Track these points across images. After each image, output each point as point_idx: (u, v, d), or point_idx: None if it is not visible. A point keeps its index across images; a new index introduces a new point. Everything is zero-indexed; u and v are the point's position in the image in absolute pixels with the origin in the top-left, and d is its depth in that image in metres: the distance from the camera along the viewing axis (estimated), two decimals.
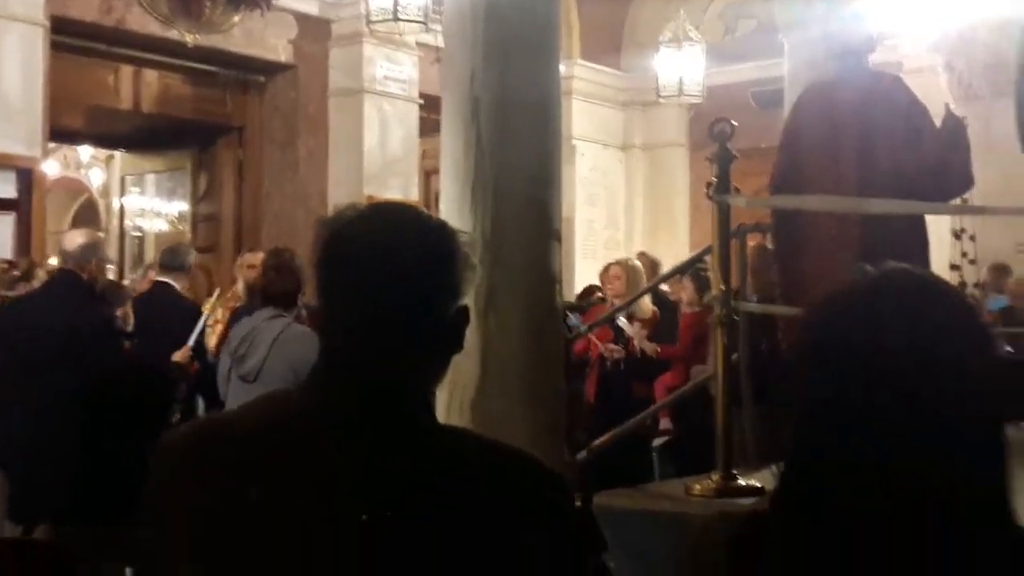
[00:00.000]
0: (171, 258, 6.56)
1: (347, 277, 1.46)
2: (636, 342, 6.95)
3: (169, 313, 6.16)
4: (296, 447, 1.39)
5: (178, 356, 5.78)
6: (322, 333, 1.50)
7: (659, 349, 6.89)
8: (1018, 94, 3.44)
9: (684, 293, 6.92)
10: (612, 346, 6.94)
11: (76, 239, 4.89)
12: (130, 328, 6.08)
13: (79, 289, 4.77)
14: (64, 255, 4.96)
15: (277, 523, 1.35)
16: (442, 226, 1.51)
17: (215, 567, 1.37)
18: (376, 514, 1.34)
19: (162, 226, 11.14)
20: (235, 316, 5.94)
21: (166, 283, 6.37)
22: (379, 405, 1.41)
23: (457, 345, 1.50)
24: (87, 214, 18.17)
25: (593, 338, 6.84)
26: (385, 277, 1.43)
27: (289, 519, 1.35)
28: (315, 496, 1.35)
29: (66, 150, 17.15)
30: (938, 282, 1.34)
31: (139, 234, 11.59)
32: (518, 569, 1.36)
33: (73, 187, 18.77)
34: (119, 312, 5.90)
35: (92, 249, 4.88)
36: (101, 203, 17.60)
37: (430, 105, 8.02)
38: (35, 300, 5.15)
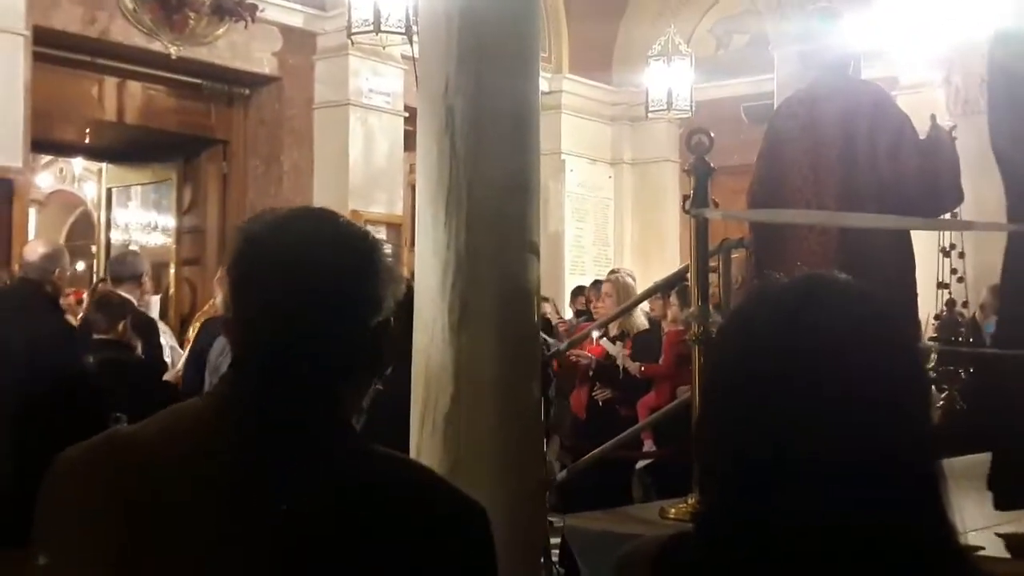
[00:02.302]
0: (120, 268, 6.34)
1: (257, 286, 1.37)
2: (619, 361, 6.85)
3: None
4: (197, 461, 1.31)
5: (170, 376, 5.67)
6: (232, 344, 1.41)
7: (643, 368, 6.79)
8: (990, 99, 3.35)
9: (669, 310, 6.81)
10: (580, 352, 6.85)
11: (37, 249, 4.80)
12: (125, 339, 5.92)
13: (38, 299, 4.66)
14: (25, 266, 4.87)
15: (177, 540, 1.28)
16: (363, 235, 1.44)
17: None
18: (272, 534, 1.26)
19: (152, 239, 11.03)
20: (204, 328, 5.83)
21: (120, 295, 6.22)
22: (284, 421, 1.33)
23: (378, 362, 1.41)
24: (82, 227, 18.11)
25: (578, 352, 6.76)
26: (296, 287, 1.35)
27: (189, 535, 1.27)
28: (215, 512, 1.28)
29: (61, 163, 17.11)
30: (861, 285, 1.23)
31: (133, 247, 11.47)
32: None
33: (68, 200, 18.74)
34: (120, 326, 5.72)
35: (53, 259, 4.78)
36: (95, 216, 17.53)
37: (415, 119, 7.92)
38: None
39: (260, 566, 1.26)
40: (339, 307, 1.37)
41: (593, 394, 6.97)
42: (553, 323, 8.90)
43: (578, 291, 10.10)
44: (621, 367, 6.86)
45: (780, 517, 1.11)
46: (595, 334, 6.78)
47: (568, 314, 10.24)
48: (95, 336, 5.25)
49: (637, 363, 6.80)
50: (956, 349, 4.70)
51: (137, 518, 1.29)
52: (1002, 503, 3.10)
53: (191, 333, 6.75)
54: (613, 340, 6.92)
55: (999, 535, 2.89)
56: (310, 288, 1.35)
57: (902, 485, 1.11)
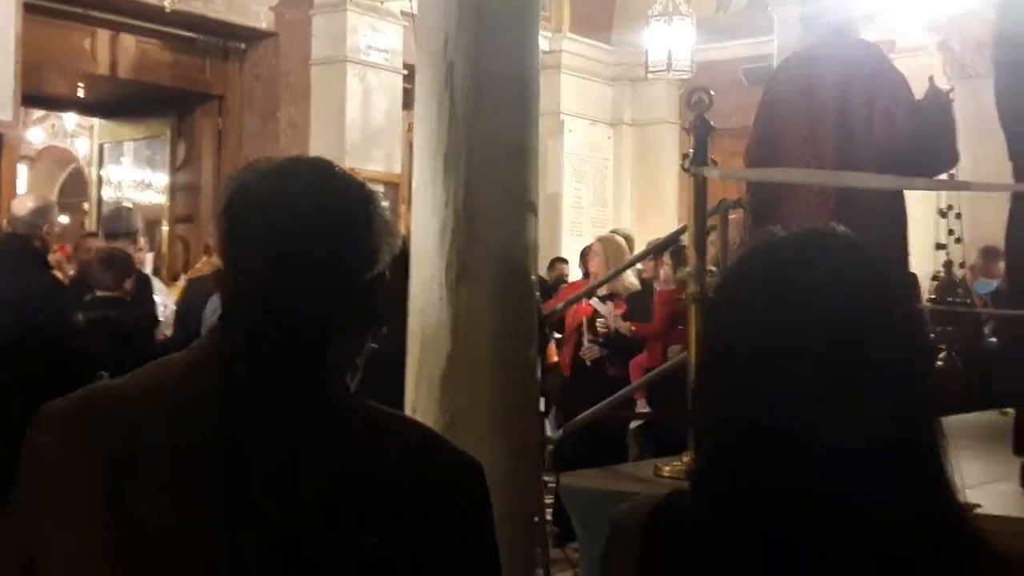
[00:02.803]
0: (115, 224, 6.24)
1: (248, 235, 1.33)
2: (610, 322, 6.85)
3: None
4: (182, 415, 1.28)
5: (161, 335, 5.64)
6: (222, 295, 1.38)
7: (633, 328, 6.77)
8: (1000, 75, 3.31)
9: (662, 270, 6.79)
10: (592, 345, 6.86)
11: (26, 203, 4.75)
12: (128, 297, 5.86)
13: (28, 255, 4.61)
14: (13, 220, 4.80)
15: (161, 494, 1.25)
16: (359, 186, 1.39)
17: (105, 544, 1.25)
18: (262, 487, 1.24)
19: (145, 196, 10.97)
20: (191, 287, 5.78)
21: (125, 251, 6.16)
22: (273, 373, 1.29)
23: (372, 317, 1.38)
24: (75, 183, 18.01)
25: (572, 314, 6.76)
26: (289, 237, 1.31)
27: (173, 490, 1.25)
28: (200, 467, 1.25)
29: (53, 119, 16.98)
30: (859, 243, 1.20)
31: (126, 204, 11.40)
32: (410, 564, 1.24)
33: (61, 156, 18.62)
34: (127, 284, 5.64)
35: (42, 214, 4.73)
36: (87, 172, 17.44)
37: (414, 77, 7.87)
38: None
39: (247, 523, 1.23)
40: (332, 258, 1.33)
41: (581, 353, 6.97)
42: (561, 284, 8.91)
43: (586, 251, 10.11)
44: (612, 328, 6.85)
45: (777, 478, 1.09)
46: (595, 300, 6.78)
47: (578, 274, 10.23)
48: (98, 293, 5.20)
49: (628, 323, 6.79)
50: (954, 310, 4.68)
51: (120, 470, 1.26)
52: None
53: (176, 292, 6.71)
54: (603, 300, 6.91)
55: None
56: (303, 238, 1.32)
57: (901, 447, 1.09)
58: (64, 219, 13.75)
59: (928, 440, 1.11)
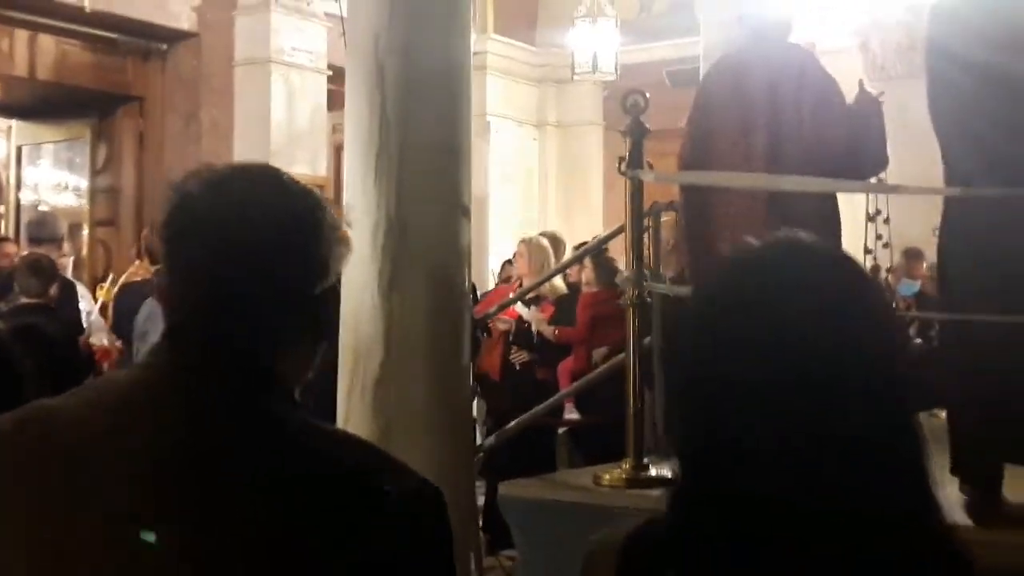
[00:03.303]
0: (39, 230, 6.15)
1: (192, 248, 1.29)
2: (534, 325, 6.85)
3: None
4: (122, 438, 1.23)
5: (85, 341, 5.52)
6: (165, 311, 1.33)
7: (557, 332, 6.78)
8: (930, 76, 3.36)
9: (584, 273, 6.81)
10: (519, 352, 6.86)
11: None
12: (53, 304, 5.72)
13: None
14: None
15: (97, 520, 1.20)
16: (306, 194, 1.34)
17: (36, 564, 1.22)
18: (201, 508, 1.19)
19: (64, 199, 10.72)
20: (123, 292, 5.67)
21: (50, 257, 6.04)
22: (219, 396, 1.25)
23: (322, 329, 1.34)
24: None
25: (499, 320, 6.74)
26: (233, 248, 1.26)
27: (110, 515, 1.20)
28: (140, 486, 1.20)
29: None
30: (835, 251, 1.20)
31: (44, 207, 11.14)
32: None
33: None
34: (52, 290, 5.52)
35: None
36: (2, 175, 17.01)
37: (339, 78, 7.79)
38: None
39: (185, 546, 1.18)
40: (281, 270, 1.28)
41: (510, 357, 6.96)
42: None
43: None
44: (535, 330, 6.86)
45: (756, 495, 1.07)
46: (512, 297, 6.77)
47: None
48: (22, 300, 5.10)
49: (551, 327, 6.79)
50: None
51: (56, 496, 1.22)
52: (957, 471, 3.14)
53: (100, 295, 6.57)
54: (527, 304, 6.91)
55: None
56: (249, 250, 1.27)
57: (887, 454, 1.08)
58: None
59: (911, 446, 1.10)
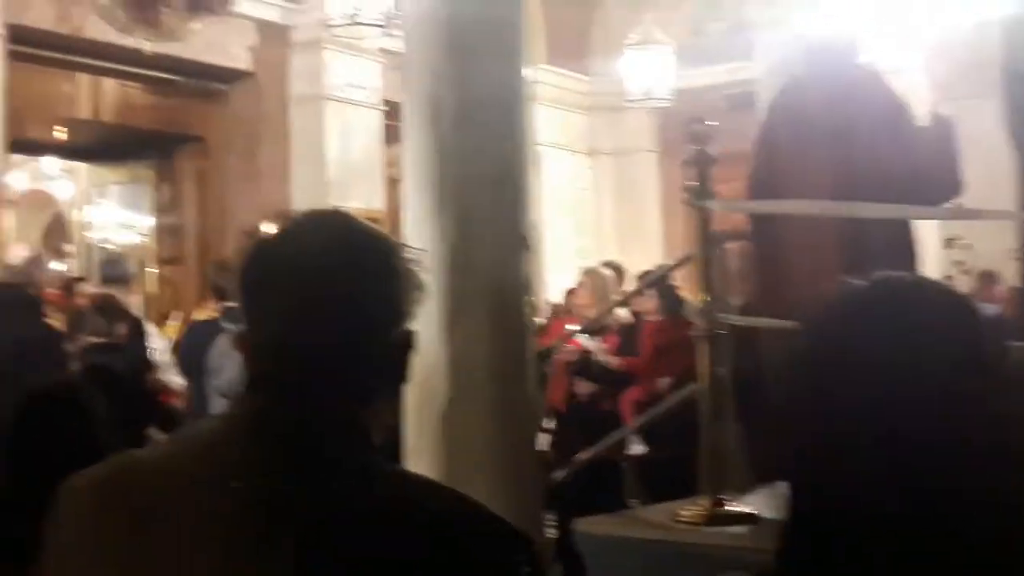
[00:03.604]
0: (111, 270, 6.29)
1: (269, 296, 1.29)
2: (597, 356, 6.80)
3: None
4: (210, 493, 1.22)
5: (156, 379, 5.60)
6: (247, 361, 1.33)
7: (621, 361, 6.73)
8: (1010, 97, 3.27)
9: (649, 303, 6.76)
10: (583, 383, 6.82)
11: (20, 253, 4.72)
12: (123, 343, 5.80)
13: (23, 304, 4.59)
14: (7, 269, 4.79)
15: (185, 572, 1.20)
16: (380, 238, 1.34)
17: None
18: (290, 562, 1.18)
19: (129, 238, 10.90)
20: (191, 331, 5.74)
21: (113, 297, 6.13)
22: (304, 444, 1.24)
23: (401, 376, 1.32)
24: (56, 227, 17.89)
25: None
26: (313, 298, 1.26)
27: (196, 566, 1.20)
28: (226, 540, 1.20)
29: (34, 162, 16.88)
30: (937, 287, 1.17)
31: (110, 247, 11.33)
32: None
33: (43, 200, 18.49)
34: (120, 329, 5.61)
35: (37, 263, 4.71)
36: (69, 216, 17.34)
37: (394, 112, 7.86)
38: None
39: None
40: (358, 318, 1.28)
41: (574, 389, 6.91)
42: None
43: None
44: (600, 361, 6.81)
45: (881, 548, 1.05)
46: (578, 328, 6.74)
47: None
48: (92, 339, 5.18)
49: (616, 357, 6.74)
50: None
51: (140, 550, 1.22)
52: None
53: (167, 332, 6.66)
54: (592, 335, 6.86)
55: None
56: (326, 299, 1.26)
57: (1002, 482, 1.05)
58: (59, 265, 13.66)
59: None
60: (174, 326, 6.54)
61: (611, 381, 6.79)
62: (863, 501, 1.06)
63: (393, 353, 1.31)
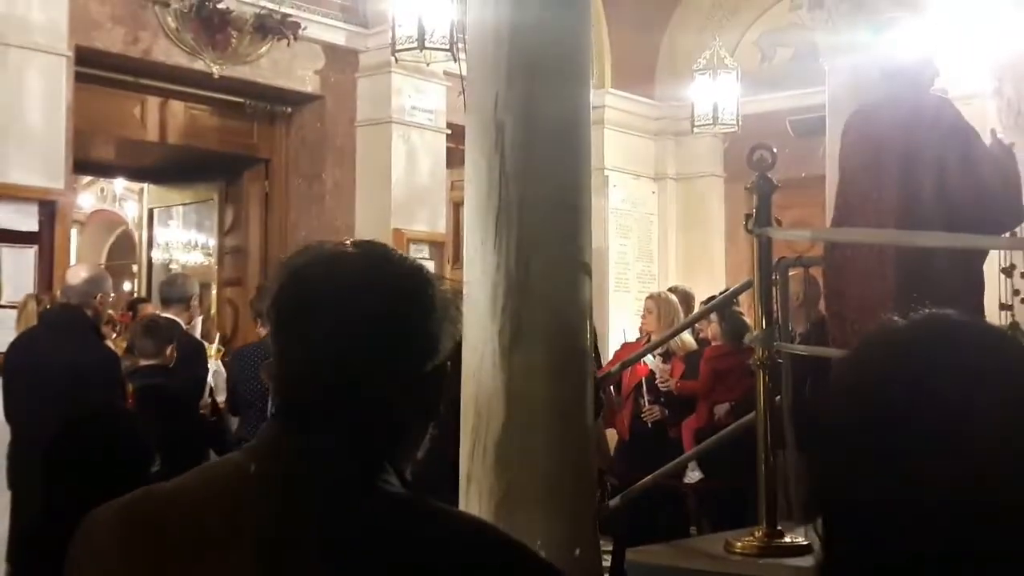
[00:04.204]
0: (170, 291, 6.27)
1: (301, 326, 1.27)
2: (659, 377, 6.73)
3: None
4: (233, 529, 1.20)
5: (206, 403, 5.59)
6: (273, 391, 1.31)
7: (678, 384, 6.65)
8: None
9: (711, 328, 6.68)
10: (652, 407, 6.74)
11: (79, 273, 4.75)
12: (172, 364, 5.79)
13: (81, 325, 4.60)
14: (67, 290, 4.81)
15: None
16: (415, 270, 1.32)
17: None
18: None
19: (195, 258, 11.02)
20: (236, 358, 5.72)
21: (167, 318, 6.14)
22: (333, 474, 1.22)
23: (432, 408, 1.30)
24: (124, 246, 18.20)
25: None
26: (343, 328, 1.24)
27: None
28: (247, 573, 1.18)
29: (102, 183, 17.19)
30: (986, 328, 1.11)
31: (175, 267, 11.46)
32: None
33: (110, 220, 18.85)
34: (168, 351, 5.62)
35: (96, 284, 4.73)
36: (135, 235, 17.62)
37: (458, 136, 7.87)
38: (36, 337, 4.94)
39: None
40: (390, 350, 1.26)
41: (642, 415, 6.84)
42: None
43: None
44: (662, 385, 6.74)
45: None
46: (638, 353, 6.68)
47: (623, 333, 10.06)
48: (142, 362, 5.18)
49: (674, 379, 6.67)
50: None
51: None
52: None
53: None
54: (660, 358, 6.80)
55: None
56: (359, 330, 1.25)
57: None
58: (126, 285, 13.87)
59: None
60: (216, 349, 6.53)
61: (675, 407, 6.71)
62: (901, 541, 1.02)
63: (425, 386, 1.29)
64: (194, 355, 5.72)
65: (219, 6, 8.55)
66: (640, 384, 6.85)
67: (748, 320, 6.19)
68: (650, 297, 7.42)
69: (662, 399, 6.78)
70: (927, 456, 1.00)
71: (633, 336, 8.03)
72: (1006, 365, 1.05)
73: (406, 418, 1.29)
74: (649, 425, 6.79)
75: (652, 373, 6.81)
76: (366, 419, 1.24)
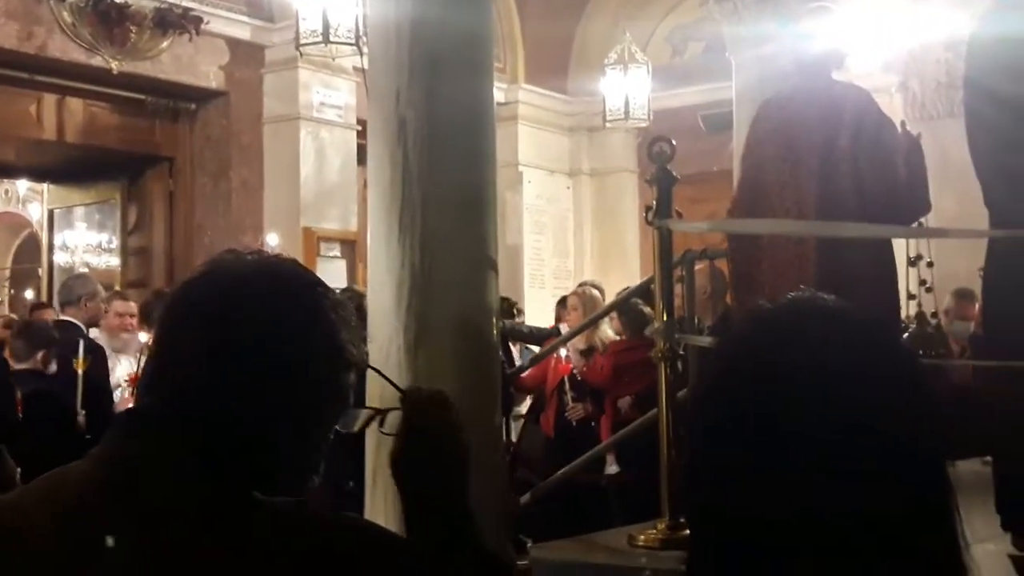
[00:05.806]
0: (63, 293, 6.15)
1: (183, 336, 1.28)
2: (576, 373, 6.71)
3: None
4: (77, 536, 1.15)
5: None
6: (141, 392, 1.26)
7: (584, 368, 6.64)
8: (967, 111, 3.20)
9: (614, 323, 6.68)
10: (576, 404, 6.71)
11: None
12: (51, 370, 5.62)
13: None
14: None
15: None
16: (309, 284, 1.32)
17: None
18: None
19: (99, 260, 10.75)
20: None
21: (67, 321, 5.93)
22: (197, 486, 1.19)
23: (334, 413, 1.33)
24: (29, 249, 17.77)
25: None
26: (222, 340, 1.24)
27: None
28: None
29: (7, 184, 16.77)
30: (850, 310, 1.08)
31: (81, 270, 11.17)
32: None
33: (15, 221, 18.42)
34: (39, 355, 5.44)
35: None
36: (40, 237, 17.22)
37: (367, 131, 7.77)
38: None
39: None
40: (273, 363, 1.25)
41: (565, 413, 6.80)
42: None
43: (562, 303, 9.88)
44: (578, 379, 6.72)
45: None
46: (563, 352, 6.64)
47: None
48: (16, 366, 5.01)
49: (581, 361, 6.65)
50: (935, 363, 4.54)
51: None
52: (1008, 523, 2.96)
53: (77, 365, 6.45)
54: (583, 354, 6.76)
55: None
56: (242, 342, 1.24)
57: (911, 529, 0.96)
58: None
59: (942, 511, 1.00)
60: (82, 359, 6.33)
61: (599, 403, 6.69)
62: (763, 522, 0.98)
63: (312, 399, 1.29)
64: (63, 359, 5.45)
65: (117, 0, 8.32)
66: (563, 381, 6.82)
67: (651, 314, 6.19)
68: (574, 294, 7.40)
69: (587, 396, 6.76)
70: (800, 450, 0.97)
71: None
72: (849, 340, 1.02)
73: (279, 429, 1.27)
74: (574, 423, 6.76)
75: (574, 373, 6.78)
76: (228, 430, 1.22)
